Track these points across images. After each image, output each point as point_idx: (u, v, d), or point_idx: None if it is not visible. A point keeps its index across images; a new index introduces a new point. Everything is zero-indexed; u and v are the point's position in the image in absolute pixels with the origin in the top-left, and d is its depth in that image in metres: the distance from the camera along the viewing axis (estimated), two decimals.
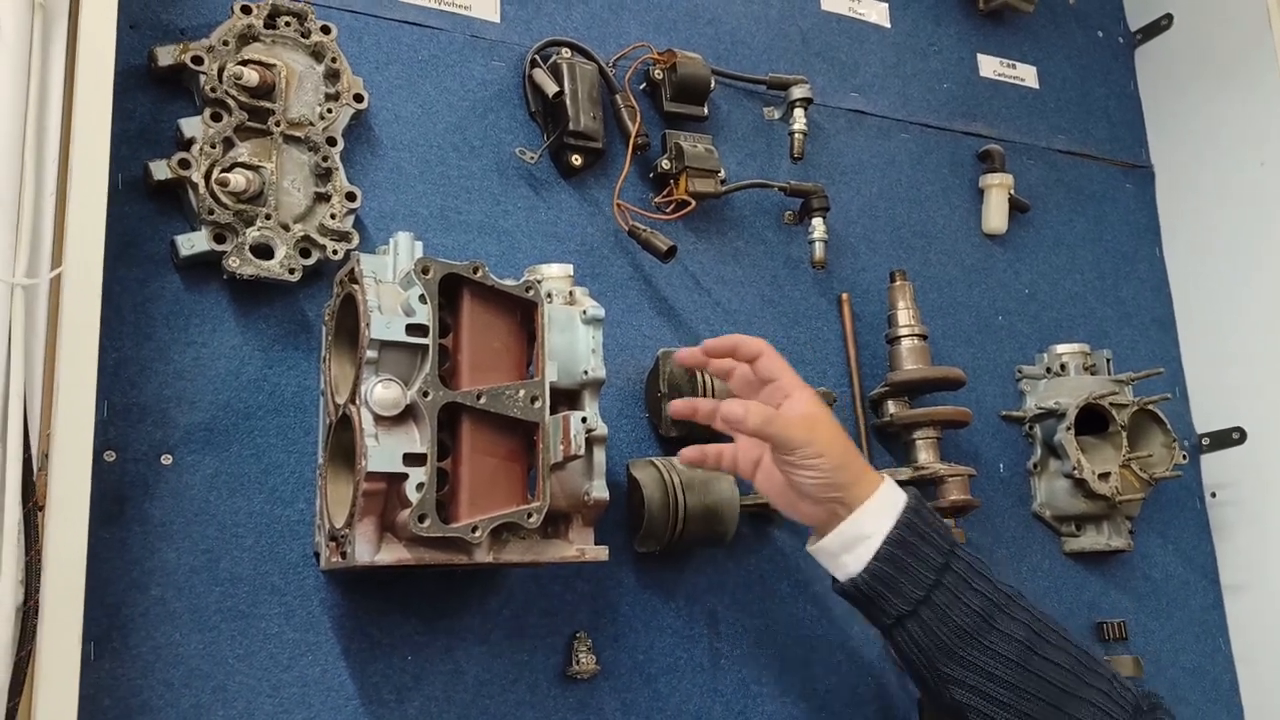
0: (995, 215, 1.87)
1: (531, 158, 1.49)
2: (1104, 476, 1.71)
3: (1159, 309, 2.03)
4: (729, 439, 1.29)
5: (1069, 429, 1.72)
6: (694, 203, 1.54)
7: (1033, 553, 1.77)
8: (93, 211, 1.04)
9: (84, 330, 1.01)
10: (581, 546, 1.24)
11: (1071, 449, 1.71)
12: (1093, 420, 1.76)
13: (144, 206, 1.26)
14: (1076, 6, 2.03)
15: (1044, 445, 1.79)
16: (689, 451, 1.27)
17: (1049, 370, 1.84)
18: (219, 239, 1.24)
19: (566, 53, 1.53)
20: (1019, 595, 1.16)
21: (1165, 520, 1.89)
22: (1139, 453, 1.75)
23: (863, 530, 1.13)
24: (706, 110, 1.64)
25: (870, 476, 1.16)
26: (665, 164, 1.57)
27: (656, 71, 1.60)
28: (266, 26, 1.32)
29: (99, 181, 1.06)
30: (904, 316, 1.66)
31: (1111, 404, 1.74)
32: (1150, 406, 1.77)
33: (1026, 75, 2.01)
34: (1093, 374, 1.82)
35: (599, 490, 1.23)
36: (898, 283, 1.68)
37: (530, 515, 1.15)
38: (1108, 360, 1.85)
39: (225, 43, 1.29)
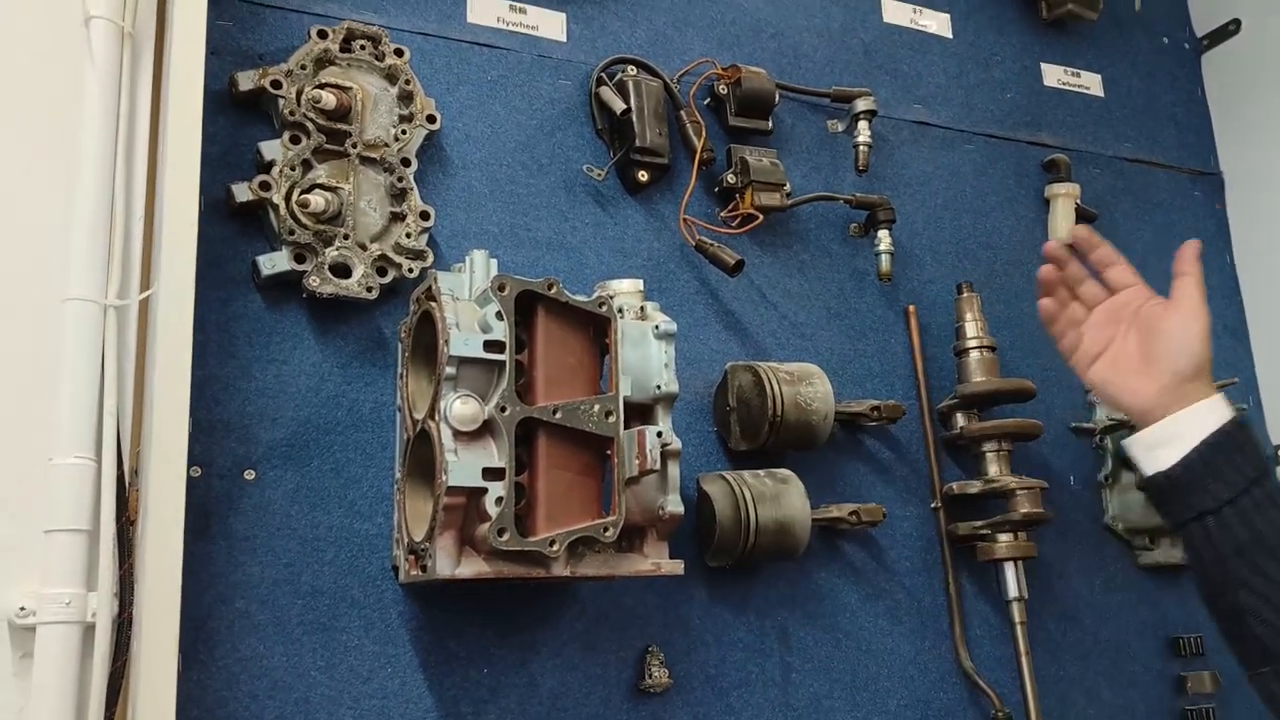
0: (1062, 224, 1.85)
1: (599, 175, 1.51)
2: None
3: (1231, 317, 2.00)
4: (785, 465, 1.28)
5: None
6: (760, 217, 1.54)
7: (1106, 566, 1.74)
8: (184, 234, 1.07)
9: (177, 350, 1.04)
10: (657, 561, 1.24)
11: None
12: None
13: (226, 228, 1.29)
14: (1141, 13, 2.01)
15: (1115, 457, 1.77)
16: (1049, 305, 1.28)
17: None
18: (299, 258, 1.27)
19: (632, 70, 1.54)
20: None
21: None
22: None
23: (1189, 426, 1.15)
24: (771, 124, 1.64)
25: (1213, 387, 1.18)
26: (731, 178, 1.58)
27: (721, 86, 1.61)
28: (342, 50, 1.35)
29: (190, 205, 1.09)
30: (972, 328, 1.65)
31: None
32: None
33: (1091, 83, 1.99)
34: None
35: (674, 504, 1.23)
36: (965, 294, 1.67)
37: (607, 529, 1.16)
38: None
39: (303, 67, 1.32)
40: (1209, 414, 1.15)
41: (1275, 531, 1.12)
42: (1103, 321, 1.26)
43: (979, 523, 1.57)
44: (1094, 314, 1.26)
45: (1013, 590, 1.57)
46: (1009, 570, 1.58)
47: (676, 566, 1.25)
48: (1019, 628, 1.57)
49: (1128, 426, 1.71)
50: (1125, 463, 1.74)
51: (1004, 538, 1.57)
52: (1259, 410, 1.95)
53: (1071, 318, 1.27)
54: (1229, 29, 2.08)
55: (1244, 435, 1.16)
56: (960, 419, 1.64)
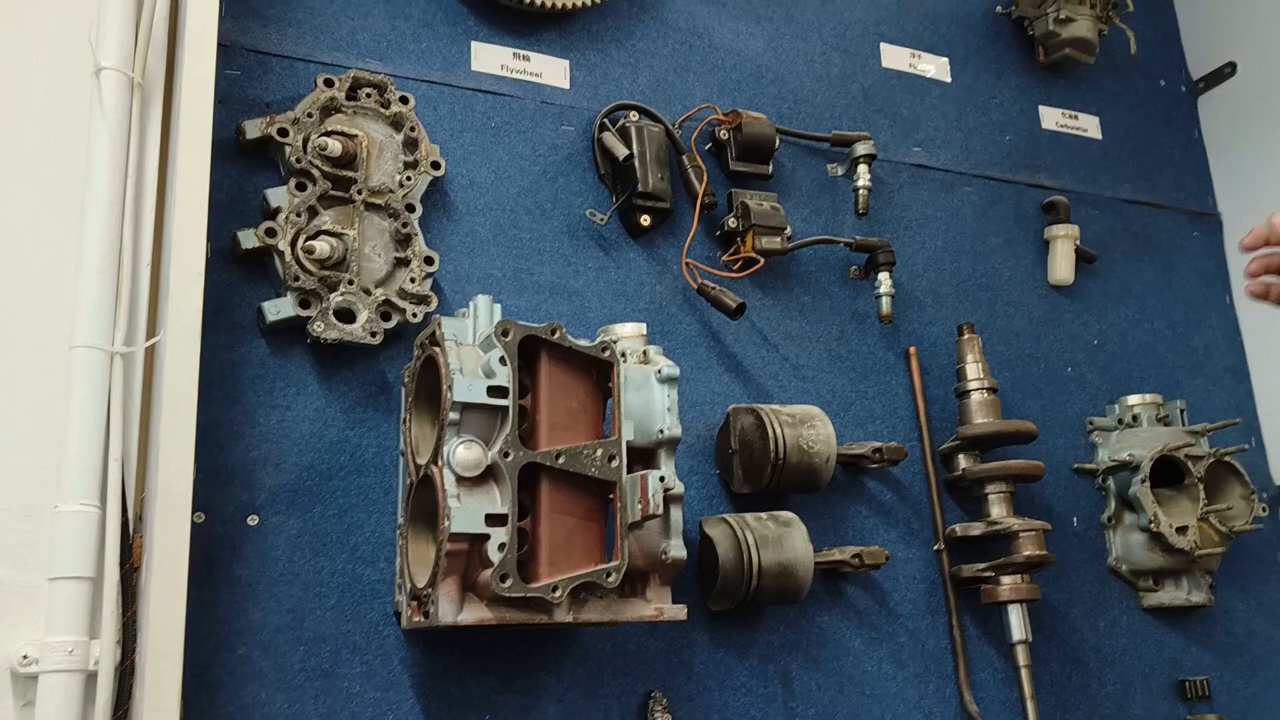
0: (1061, 266, 1.86)
1: (601, 219, 1.52)
2: (1181, 530, 1.68)
3: (1232, 358, 2.00)
4: (788, 508, 1.28)
5: (1144, 481, 1.69)
6: (761, 261, 1.56)
7: (1110, 608, 1.73)
8: (191, 283, 1.08)
9: (183, 397, 1.05)
10: (660, 606, 1.24)
11: (1147, 502, 1.68)
12: (1168, 472, 1.74)
13: (232, 274, 1.30)
14: (1138, 56, 2.03)
15: (1118, 498, 1.77)
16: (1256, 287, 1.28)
17: (1121, 422, 1.81)
18: (304, 304, 1.28)
19: (634, 116, 1.56)
20: None
21: (1247, 574, 1.85)
22: (1217, 505, 1.72)
23: None
24: (771, 168, 1.66)
25: None
26: (732, 222, 1.59)
27: (722, 132, 1.63)
28: (348, 98, 1.37)
29: (197, 254, 1.11)
30: (973, 370, 1.65)
31: (1187, 456, 1.72)
32: (1227, 458, 1.74)
33: (1089, 126, 2.01)
34: (1166, 425, 1.80)
35: (676, 549, 1.23)
36: (966, 336, 1.68)
37: (609, 575, 1.16)
38: (1181, 411, 1.82)
39: (309, 115, 1.33)
40: None
41: None
42: None
43: (982, 565, 1.57)
44: None
45: (1017, 633, 1.57)
46: (1013, 613, 1.57)
47: (679, 612, 1.25)
48: (1024, 671, 1.56)
49: (1130, 467, 1.73)
50: (1128, 503, 1.74)
51: (1007, 580, 1.56)
52: (1261, 450, 1.95)
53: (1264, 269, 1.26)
54: (1225, 71, 2.11)
55: None
56: (962, 460, 1.64)
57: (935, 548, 1.62)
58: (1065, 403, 1.82)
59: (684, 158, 1.59)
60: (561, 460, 1.17)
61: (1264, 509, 1.74)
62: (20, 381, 1.11)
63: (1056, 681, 1.64)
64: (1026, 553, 1.56)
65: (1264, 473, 1.92)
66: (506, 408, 1.16)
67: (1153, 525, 1.68)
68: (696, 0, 1.71)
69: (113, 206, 1.14)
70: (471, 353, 1.21)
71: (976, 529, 1.59)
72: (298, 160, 1.31)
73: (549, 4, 1.53)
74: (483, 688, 1.30)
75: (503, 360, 1.17)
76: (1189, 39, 2.18)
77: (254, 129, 1.32)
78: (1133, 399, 1.81)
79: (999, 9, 1.99)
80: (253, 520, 1.24)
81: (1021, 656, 1.56)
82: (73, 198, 1.16)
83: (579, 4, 1.55)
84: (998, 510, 1.61)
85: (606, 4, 1.58)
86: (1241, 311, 2.04)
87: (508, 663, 1.31)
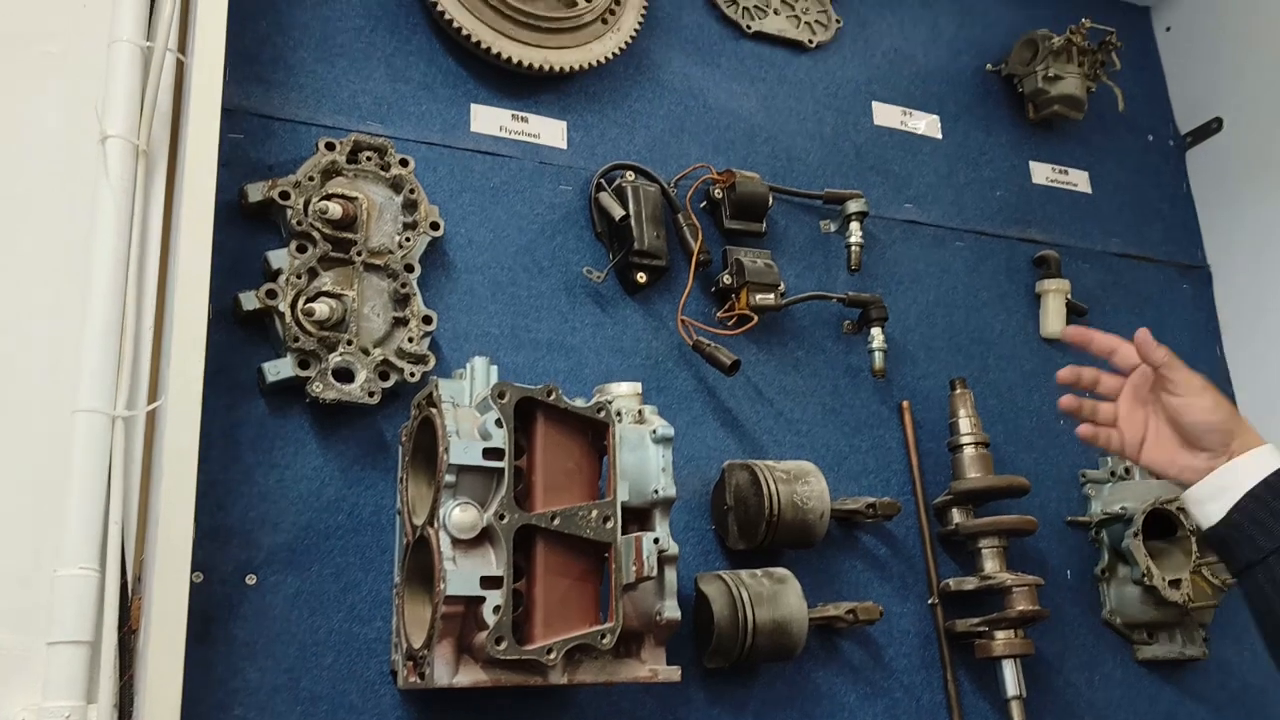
0: (1053, 319, 1.88)
1: (598, 277, 1.54)
2: (1175, 583, 1.69)
3: None
4: (783, 563, 1.30)
5: (1137, 535, 1.70)
6: (755, 318, 1.58)
7: (1104, 661, 1.74)
8: (193, 349, 1.10)
9: (184, 461, 1.06)
10: (654, 667, 1.25)
11: (1140, 555, 1.69)
12: (1160, 525, 1.75)
13: (233, 334, 1.32)
14: (1126, 112, 2.07)
15: (1111, 551, 1.77)
16: (1069, 401, 1.32)
17: (1113, 474, 1.83)
18: (303, 365, 1.29)
19: (630, 175, 1.59)
20: None
21: (1240, 627, 1.85)
22: (1209, 558, 1.73)
23: (1233, 479, 1.19)
24: (765, 226, 1.68)
25: (1255, 436, 1.22)
26: (726, 279, 1.61)
27: (716, 190, 1.66)
28: (349, 161, 1.40)
29: (199, 319, 1.12)
30: (965, 425, 1.67)
31: (1178, 509, 1.73)
32: None
33: (1079, 180, 2.04)
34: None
35: (671, 610, 1.24)
36: (958, 391, 1.70)
37: (604, 636, 1.17)
38: None
39: (311, 178, 1.36)
40: (1254, 464, 1.19)
41: None
42: (1130, 407, 1.29)
43: (976, 620, 1.58)
44: (1120, 404, 1.30)
45: (1011, 688, 1.57)
46: (1007, 668, 1.58)
47: (673, 673, 1.25)
48: None
49: (1123, 520, 1.74)
50: (1121, 556, 1.75)
51: (1002, 635, 1.57)
52: None
53: (1106, 419, 1.30)
54: (1211, 126, 2.14)
55: None
56: (956, 515, 1.65)
57: (930, 602, 1.63)
58: (1058, 455, 1.83)
59: (679, 216, 1.61)
60: (556, 522, 1.19)
61: None
62: (22, 446, 1.12)
63: None
64: (1020, 607, 1.57)
65: None
66: (502, 470, 1.18)
67: (1146, 578, 1.69)
68: (691, 62, 1.74)
69: (117, 272, 1.16)
70: (468, 414, 1.22)
71: (970, 583, 1.60)
72: (299, 223, 1.33)
73: (547, 67, 1.56)
74: None
75: (499, 423, 1.18)
76: (1176, 95, 2.22)
77: (256, 192, 1.34)
78: None
79: (989, 67, 2.03)
80: (251, 579, 1.25)
81: (1016, 713, 1.56)
82: (77, 262, 1.18)
83: (576, 66, 1.58)
84: (991, 564, 1.62)
85: (603, 66, 1.61)
86: (1233, 363, 2.06)
87: None
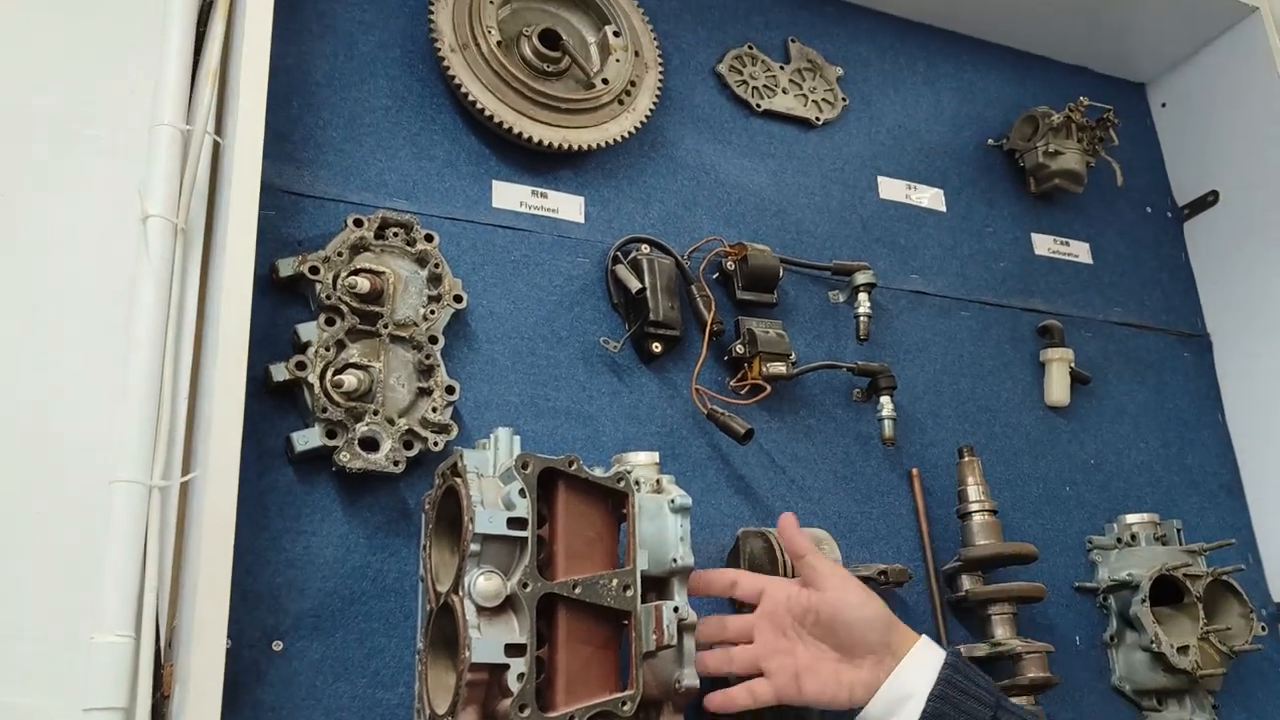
0: (1057, 388, 1.92)
1: (615, 347, 1.59)
2: (1183, 650, 1.71)
3: (1226, 475, 2.05)
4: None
5: (1144, 601, 1.72)
6: (768, 388, 1.62)
7: None
8: (230, 423, 1.14)
9: (221, 531, 1.09)
10: None
11: (1148, 622, 1.71)
12: (1167, 591, 1.77)
13: (263, 404, 1.36)
14: (1124, 186, 2.13)
15: (1119, 617, 1.80)
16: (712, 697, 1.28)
17: (1120, 541, 1.85)
18: (331, 435, 1.33)
19: (645, 248, 1.64)
20: None
21: (1248, 693, 1.87)
22: (1216, 625, 1.75)
23: (906, 688, 1.16)
24: (776, 297, 1.73)
25: (909, 631, 1.19)
26: (739, 348, 1.66)
27: (729, 263, 1.71)
28: (376, 237, 1.45)
29: (237, 392, 1.16)
30: (974, 492, 1.70)
31: (1185, 575, 1.75)
32: (1225, 577, 1.77)
33: (1080, 251, 2.10)
34: (1164, 544, 1.83)
35: (689, 678, 1.26)
36: (966, 459, 1.73)
37: (624, 704, 1.19)
38: (1178, 530, 1.86)
39: (340, 253, 1.41)
40: (922, 663, 1.17)
41: None
42: (771, 641, 1.26)
43: None
44: (756, 645, 1.27)
45: None
46: None
47: None
48: None
49: (1130, 586, 1.76)
50: (1129, 622, 1.77)
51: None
52: (1259, 568, 1.98)
53: (745, 667, 1.26)
54: (1208, 199, 2.20)
55: (963, 673, 1.16)
56: (966, 581, 1.68)
57: None
58: (1065, 522, 1.86)
59: (693, 287, 1.66)
60: (578, 590, 1.21)
61: (1263, 628, 1.77)
62: (62, 515, 1.16)
63: None
64: (1031, 674, 1.59)
65: (1262, 590, 1.95)
66: (526, 539, 1.21)
67: (1154, 645, 1.70)
68: (703, 139, 1.81)
69: (155, 347, 1.21)
70: (492, 484, 1.26)
71: (981, 650, 1.62)
72: (327, 297, 1.38)
73: (566, 145, 1.62)
74: None
75: (522, 493, 1.22)
76: (1173, 168, 2.28)
77: (287, 267, 1.39)
78: (1130, 518, 1.86)
79: (990, 142, 2.10)
80: (277, 646, 1.27)
81: None
82: (115, 338, 1.23)
83: (593, 145, 1.64)
84: (1001, 631, 1.64)
85: (619, 145, 1.67)
86: (1234, 430, 2.09)
87: None
